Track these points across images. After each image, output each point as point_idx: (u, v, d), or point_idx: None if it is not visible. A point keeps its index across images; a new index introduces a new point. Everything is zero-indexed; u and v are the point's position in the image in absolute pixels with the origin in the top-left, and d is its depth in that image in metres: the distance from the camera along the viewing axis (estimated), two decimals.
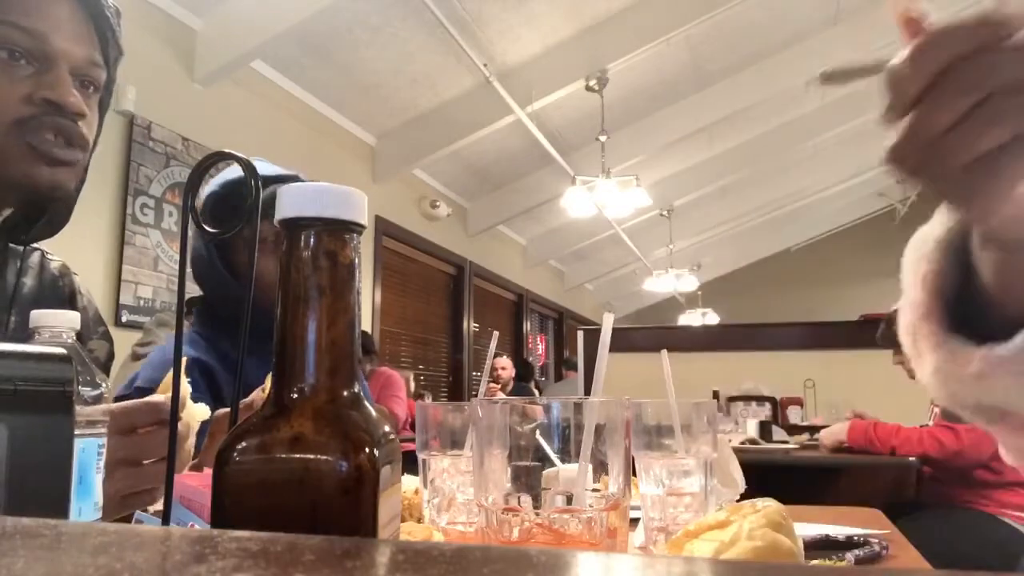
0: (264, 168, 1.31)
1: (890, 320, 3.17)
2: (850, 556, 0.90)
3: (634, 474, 0.90)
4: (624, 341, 4.76)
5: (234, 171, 1.34)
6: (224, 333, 1.32)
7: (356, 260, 0.39)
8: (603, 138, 5.53)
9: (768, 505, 0.69)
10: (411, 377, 5.49)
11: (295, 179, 1.31)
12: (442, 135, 5.39)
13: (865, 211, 10.60)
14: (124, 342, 3.26)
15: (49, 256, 1.06)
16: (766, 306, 9.46)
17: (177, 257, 3.62)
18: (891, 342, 2.77)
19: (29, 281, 1.00)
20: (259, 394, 0.88)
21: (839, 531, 1.02)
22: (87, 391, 0.58)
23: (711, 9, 4.67)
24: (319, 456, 0.35)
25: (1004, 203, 0.41)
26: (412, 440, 0.95)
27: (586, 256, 9.54)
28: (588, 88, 5.22)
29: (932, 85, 0.40)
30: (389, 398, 4.45)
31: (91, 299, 1.13)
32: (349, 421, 0.37)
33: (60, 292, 1.04)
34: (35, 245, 1.04)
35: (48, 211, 0.95)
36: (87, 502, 0.57)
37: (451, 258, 6.99)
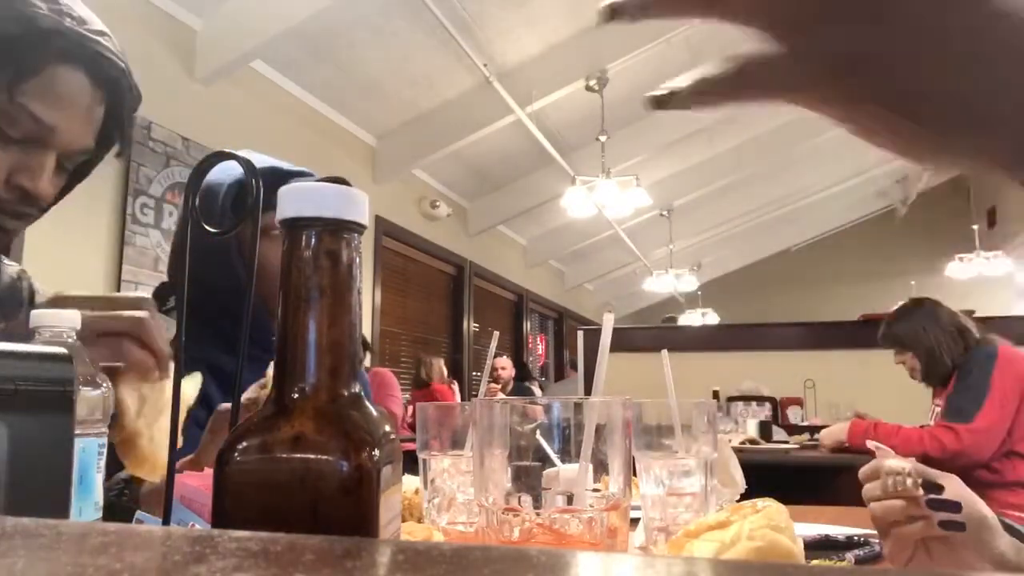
0: (268, 162, 1.30)
1: (890, 320, 3.16)
2: (850, 556, 0.90)
3: (634, 474, 0.90)
4: (624, 341, 4.76)
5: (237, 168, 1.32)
6: (213, 342, 1.18)
7: (356, 260, 0.39)
8: (603, 138, 5.53)
9: (768, 505, 0.69)
10: (444, 361, 5.57)
11: (308, 176, 1.30)
12: (442, 135, 5.39)
13: (865, 211, 10.59)
14: None
15: (6, 262, 1.06)
16: (766, 306, 9.46)
17: None
18: (892, 342, 2.78)
19: None
20: (257, 390, 0.87)
21: (839, 531, 1.02)
22: (87, 391, 0.58)
23: None
24: (320, 456, 0.35)
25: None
26: (411, 440, 0.95)
27: (586, 256, 9.54)
28: (588, 88, 5.21)
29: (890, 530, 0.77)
30: (386, 397, 4.47)
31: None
32: (350, 421, 0.37)
33: (19, 294, 1.04)
34: None
35: None
36: (87, 502, 0.57)
37: (451, 258, 6.99)
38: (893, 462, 0.75)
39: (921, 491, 0.73)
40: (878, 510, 0.76)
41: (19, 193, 0.87)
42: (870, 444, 0.86)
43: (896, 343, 2.76)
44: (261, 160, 1.30)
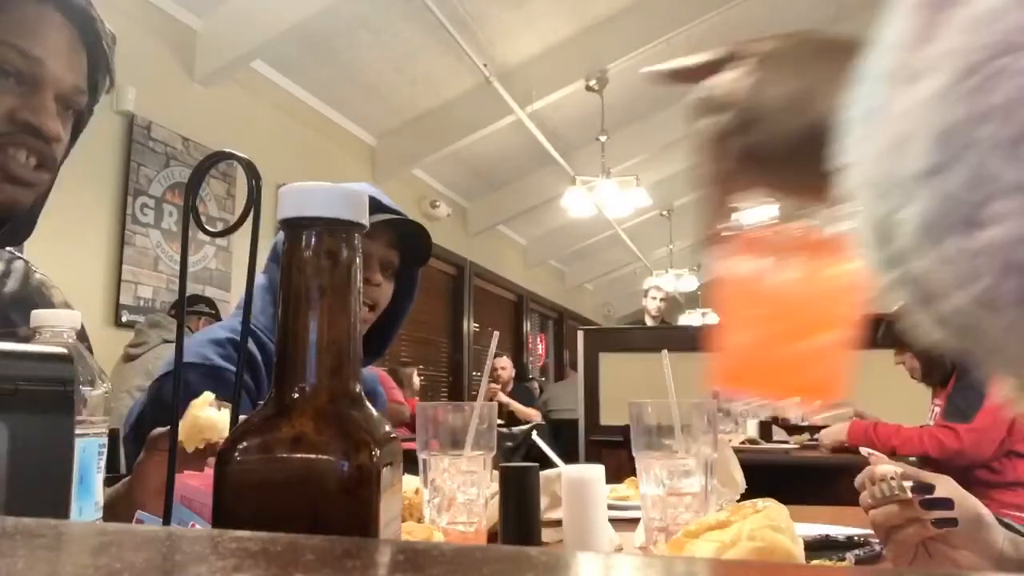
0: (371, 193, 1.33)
1: (890, 320, 3.15)
2: (850, 556, 0.90)
3: (634, 474, 0.90)
4: (624, 341, 4.75)
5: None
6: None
7: (357, 260, 0.39)
8: (603, 138, 5.52)
9: (768, 505, 0.69)
10: (414, 373, 5.47)
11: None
12: (442, 135, 5.38)
13: None
14: (124, 342, 3.26)
15: (33, 268, 1.07)
16: None
17: (177, 257, 3.62)
18: (892, 341, 2.78)
19: (10, 283, 1.01)
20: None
21: (839, 531, 1.02)
22: (87, 391, 0.58)
23: (711, 9, 4.67)
24: (320, 456, 0.35)
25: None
26: (412, 440, 0.95)
27: (586, 256, 9.54)
28: (588, 88, 5.21)
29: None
30: (389, 395, 4.43)
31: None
32: (350, 421, 0.37)
33: (48, 301, 1.05)
34: (20, 255, 1.05)
35: (8, 222, 0.95)
36: (87, 502, 0.57)
37: (451, 258, 6.99)
38: (883, 467, 0.76)
39: (910, 493, 0.73)
40: (877, 516, 0.76)
41: (28, 130, 0.88)
42: (863, 451, 0.87)
43: (896, 343, 2.76)
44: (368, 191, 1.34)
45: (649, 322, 5.78)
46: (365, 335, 1.32)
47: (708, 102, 0.48)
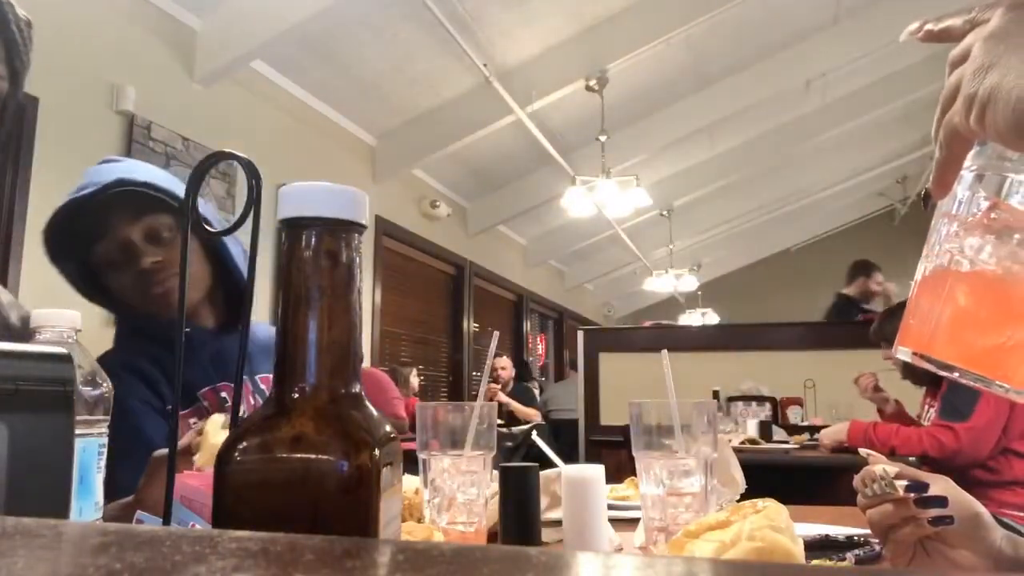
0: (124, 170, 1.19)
1: (881, 318, 3.15)
2: (850, 556, 0.90)
3: (634, 474, 0.90)
4: (624, 341, 4.76)
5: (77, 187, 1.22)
6: (135, 346, 1.24)
7: (357, 260, 0.39)
8: (603, 138, 5.52)
9: (768, 505, 0.69)
10: (413, 372, 5.46)
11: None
12: (442, 135, 5.38)
13: (865, 211, 10.58)
14: None
15: None
16: (766, 306, 9.46)
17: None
18: (880, 339, 2.79)
19: None
20: (193, 436, 0.87)
21: (839, 531, 1.02)
22: (87, 390, 0.58)
23: (711, 9, 4.66)
24: (320, 456, 0.35)
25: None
26: (412, 440, 0.95)
27: (586, 256, 9.54)
28: (588, 88, 5.21)
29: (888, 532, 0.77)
30: (387, 402, 4.38)
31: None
32: (350, 421, 0.37)
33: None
34: None
35: None
36: (87, 502, 0.57)
37: (451, 258, 6.99)
38: (878, 467, 0.76)
39: (902, 491, 0.73)
40: (874, 516, 0.76)
41: None
42: (863, 452, 0.87)
43: (884, 340, 2.78)
44: (146, 170, 1.23)
45: (875, 307, 4.86)
46: (227, 304, 1.29)
47: (951, 61, 0.53)
